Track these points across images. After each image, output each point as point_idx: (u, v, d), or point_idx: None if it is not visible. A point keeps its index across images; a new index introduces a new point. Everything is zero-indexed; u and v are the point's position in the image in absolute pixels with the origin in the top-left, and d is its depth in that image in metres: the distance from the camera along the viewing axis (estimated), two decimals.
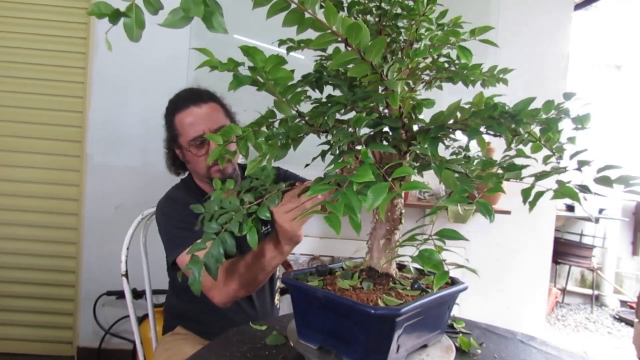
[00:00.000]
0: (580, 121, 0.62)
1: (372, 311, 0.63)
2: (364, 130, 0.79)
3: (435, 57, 0.77)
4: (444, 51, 0.77)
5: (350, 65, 0.56)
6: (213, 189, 1.30)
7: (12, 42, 2.23)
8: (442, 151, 0.74)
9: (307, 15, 0.52)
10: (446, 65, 0.77)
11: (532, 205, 0.59)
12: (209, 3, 0.44)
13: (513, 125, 0.62)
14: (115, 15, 0.44)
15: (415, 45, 0.72)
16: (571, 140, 0.61)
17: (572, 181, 0.58)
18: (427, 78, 0.83)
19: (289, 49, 0.73)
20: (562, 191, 0.55)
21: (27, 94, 2.25)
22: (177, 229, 1.20)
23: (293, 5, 0.52)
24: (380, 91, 0.66)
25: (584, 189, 0.58)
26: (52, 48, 2.22)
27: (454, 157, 0.72)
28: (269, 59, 0.59)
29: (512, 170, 0.60)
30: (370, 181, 0.54)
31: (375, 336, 0.66)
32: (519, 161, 0.65)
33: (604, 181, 0.54)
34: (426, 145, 0.64)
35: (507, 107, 0.63)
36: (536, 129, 0.64)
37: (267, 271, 1.06)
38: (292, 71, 0.62)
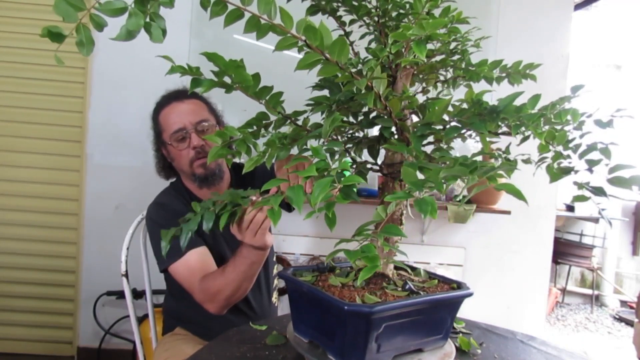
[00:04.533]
0: (560, 116, 0.62)
1: (345, 307, 0.64)
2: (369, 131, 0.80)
3: (448, 55, 0.77)
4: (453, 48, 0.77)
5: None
6: (200, 189, 1.32)
7: (12, 42, 2.23)
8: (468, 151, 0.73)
9: (263, 21, 0.53)
10: (460, 64, 0.77)
11: (463, 199, 0.59)
12: (153, 17, 0.49)
13: (520, 125, 0.61)
14: (54, 37, 0.47)
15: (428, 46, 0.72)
16: (549, 134, 0.60)
17: (589, 182, 0.57)
18: (442, 77, 0.83)
19: (300, 49, 0.73)
20: (505, 188, 0.54)
21: (27, 94, 2.24)
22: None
23: (248, 14, 0.53)
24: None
25: (599, 191, 0.56)
26: (52, 48, 2.21)
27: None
28: (229, 62, 0.60)
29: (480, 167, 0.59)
30: (316, 176, 0.55)
31: (351, 332, 0.66)
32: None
33: (620, 182, 0.53)
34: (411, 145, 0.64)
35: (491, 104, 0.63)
36: (545, 127, 0.63)
37: (250, 276, 1.11)
38: (256, 74, 0.65)
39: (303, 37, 0.54)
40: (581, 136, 0.61)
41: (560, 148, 0.60)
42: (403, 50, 0.72)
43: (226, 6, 0.54)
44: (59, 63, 0.54)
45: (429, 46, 0.71)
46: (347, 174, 0.57)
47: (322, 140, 0.68)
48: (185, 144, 1.26)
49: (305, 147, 0.72)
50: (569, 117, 0.62)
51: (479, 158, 0.61)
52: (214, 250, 1.25)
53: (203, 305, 1.14)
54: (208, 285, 1.12)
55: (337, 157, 0.74)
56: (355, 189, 0.56)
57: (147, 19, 0.49)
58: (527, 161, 0.67)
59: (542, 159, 0.64)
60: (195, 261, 1.17)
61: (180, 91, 1.34)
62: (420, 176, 0.57)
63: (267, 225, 0.96)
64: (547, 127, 0.62)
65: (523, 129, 0.60)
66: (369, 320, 0.64)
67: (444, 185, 0.54)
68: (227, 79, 0.63)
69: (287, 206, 1.37)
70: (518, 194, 0.53)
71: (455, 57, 0.78)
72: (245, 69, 0.62)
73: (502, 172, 0.55)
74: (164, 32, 0.50)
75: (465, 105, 0.67)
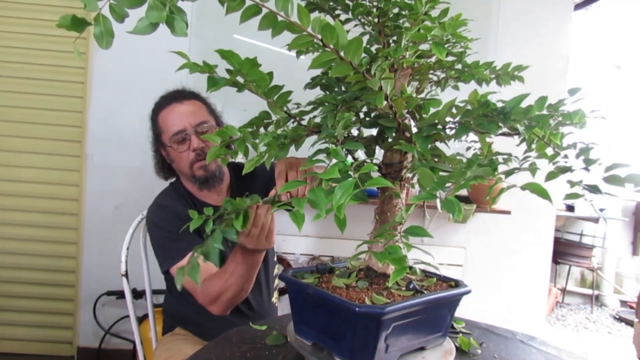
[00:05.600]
0: (570, 118, 0.62)
1: (356, 309, 0.63)
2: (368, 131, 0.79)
3: (445, 56, 0.77)
4: (455, 50, 0.77)
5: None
6: (200, 191, 1.32)
7: (12, 42, 2.23)
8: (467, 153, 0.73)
9: (280, 18, 0.53)
10: (456, 65, 0.77)
11: (493, 201, 0.58)
12: (173, 9, 0.47)
13: (523, 125, 0.61)
14: (75, 25, 0.45)
15: (423, 46, 0.72)
16: (553, 136, 0.60)
17: (583, 180, 0.57)
18: (435, 78, 0.83)
19: (298, 53, 0.73)
20: (531, 187, 0.54)
21: (27, 94, 2.24)
22: (169, 240, 1.21)
23: (265, 10, 0.52)
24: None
25: (594, 189, 0.56)
26: (52, 48, 2.22)
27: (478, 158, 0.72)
28: (244, 61, 0.59)
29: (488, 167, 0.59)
30: (338, 178, 0.54)
31: (361, 334, 0.66)
32: (541, 162, 0.63)
33: (615, 180, 0.53)
34: (418, 145, 0.64)
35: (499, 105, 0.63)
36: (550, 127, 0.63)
37: (250, 278, 1.09)
38: (270, 73, 0.63)
39: (319, 36, 0.53)
40: (564, 135, 0.62)
41: (558, 148, 0.60)
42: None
43: (243, 2, 0.53)
44: (78, 55, 0.52)
45: (426, 47, 0.71)
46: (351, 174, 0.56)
47: (327, 141, 0.67)
48: (185, 146, 1.25)
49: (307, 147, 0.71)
50: (576, 120, 0.63)
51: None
52: None
53: (206, 307, 1.13)
54: (209, 290, 1.11)
55: None
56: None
57: (167, 11, 0.47)
58: (507, 160, 0.67)
59: (526, 158, 0.64)
60: None
61: (179, 91, 1.32)
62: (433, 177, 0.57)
63: (275, 228, 0.98)
64: (557, 128, 0.62)
65: (537, 130, 0.60)
66: (379, 321, 0.64)
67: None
68: (238, 78, 0.63)
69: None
70: (543, 194, 0.53)
71: (451, 58, 0.78)
72: (259, 67, 0.61)
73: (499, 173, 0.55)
74: (187, 25, 0.49)
75: (469, 107, 0.67)
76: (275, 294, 1.46)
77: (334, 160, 0.57)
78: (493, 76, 0.80)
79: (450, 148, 0.75)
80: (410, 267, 0.85)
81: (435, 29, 0.59)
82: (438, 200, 0.53)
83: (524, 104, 0.62)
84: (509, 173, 0.58)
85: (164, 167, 1.38)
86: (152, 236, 1.28)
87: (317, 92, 0.79)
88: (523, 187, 0.55)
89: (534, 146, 0.63)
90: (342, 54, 0.55)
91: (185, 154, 1.25)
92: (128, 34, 0.49)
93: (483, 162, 0.58)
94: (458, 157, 0.69)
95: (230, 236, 0.66)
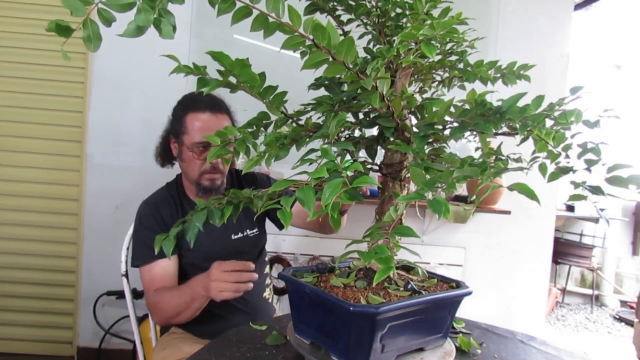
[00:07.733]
0: (565, 117, 0.62)
1: (351, 308, 0.64)
2: (370, 131, 0.79)
3: (446, 55, 0.77)
4: (457, 49, 0.77)
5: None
6: (197, 194, 1.34)
7: (12, 42, 2.23)
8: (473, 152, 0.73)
9: (271, 19, 0.53)
10: (458, 64, 0.77)
11: (478, 200, 0.58)
12: (162, 13, 0.48)
13: (520, 125, 0.61)
14: (62, 31, 0.46)
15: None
16: (548, 135, 0.60)
17: (587, 182, 0.57)
18: (438, 78, 0.83)
19: (302, 54, 0.74)
20: (518, 188, 0.54)
21: (27, 94, 2.24)
22: (143, 237, 1.27)
23: (256, 11, 0.53)
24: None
25: (596, 190, 0.56)
26: (52, 48, 2.22)
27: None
28: (235, 62, 0.60)
29: (479, 168, 0.58)
30: (327, 177, 0.54)
31: (356, 333, 0.66)
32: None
33: (617, 181, 0.53)
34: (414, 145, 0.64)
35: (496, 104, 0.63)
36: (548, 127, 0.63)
37: (192, 309, 1.15)
38: (262, 73, 0.64)
39: (311, 36, 0.53)
40: (572, 136, 0.62)
41: (559, 148, 0.60)
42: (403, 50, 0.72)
43: (234, 4, 0.53)
44: (66, 59, 0.52)
45: None
46: (349, 173, 0.56)
47: (324, 141, 0.68)
48: (204, 156, 1.27)
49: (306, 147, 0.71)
50: (572, 119, 0.62)
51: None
52: (190, 257, 1.29)
53: (149, 312, 1.19)
54: (156, 300, 1.20)
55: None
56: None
57: (156, 15, 0.47)
58: (518, 160, 0.67)
59: (534, 159, 0.64)
60: (158, 273, 1.24)
61: (216, 101, 1.32)
62: (426, 176, 0.57)
63: (238, 295, 1.05)
64: (553, 127, 0.62)
65: (529, 129, 0.60)
66: (374, 320, 0.64)
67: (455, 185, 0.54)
68: (232, 79, 0.63)
69: (277, 222, 1.47)
70: (531, 194, 0.53)
71: (453, 58, 0.78)
72: (251, 68, 0.61)
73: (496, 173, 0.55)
74: (174, 28, 0.49)
75: (467, 106, 0.67)
76: (268, 290, 1.46)
77: (325, 160, 0.57)
78: (498, 75, 0.80)
79: (450, 148, 0.75)
80: (412, 268, 0.85)
81: (424, 27, 0.59)
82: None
83: (522, 104, 0.62)
84: (497, 173, 0.58)
85: (165, 155, 1.40)
86: (133, 230, 1.33)
87: (322, 93, 0.79)
88: (510, 188, 0.54)
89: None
90: (334, 54, 0.55)
91: (200, 162, 1.27)
92: None
93: (475, 163, 0.58)
94: (457, 158, 0.69)
95: (216, 219, 0.70)
